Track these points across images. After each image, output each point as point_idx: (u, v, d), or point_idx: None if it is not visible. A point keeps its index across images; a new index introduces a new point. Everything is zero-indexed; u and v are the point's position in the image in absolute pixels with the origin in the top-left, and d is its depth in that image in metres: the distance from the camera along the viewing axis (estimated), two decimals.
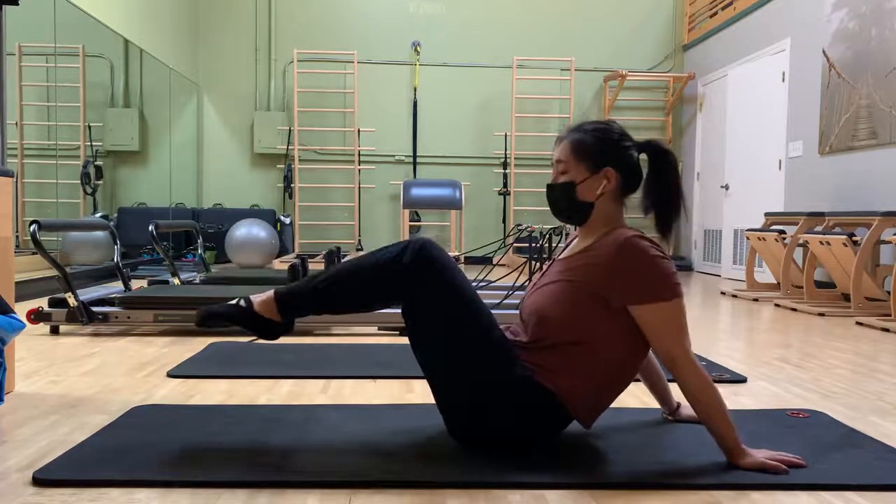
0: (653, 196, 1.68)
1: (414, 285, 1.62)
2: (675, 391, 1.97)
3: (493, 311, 1.79)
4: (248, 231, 6.74)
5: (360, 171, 8.41)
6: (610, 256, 1.60)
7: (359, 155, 8.40)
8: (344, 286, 1.66)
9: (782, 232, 5.27)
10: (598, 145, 1.68)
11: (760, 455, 1.58)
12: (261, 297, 1.69)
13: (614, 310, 1.61)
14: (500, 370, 1.62)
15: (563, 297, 1.64)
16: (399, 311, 3.42)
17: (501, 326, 1.70)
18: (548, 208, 1.77)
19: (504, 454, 1.64)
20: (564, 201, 1.70)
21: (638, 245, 1.59)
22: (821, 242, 4.61)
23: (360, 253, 1.76)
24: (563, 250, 1.84)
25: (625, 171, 1.69)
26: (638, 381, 2.34)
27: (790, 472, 1.55)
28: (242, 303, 1.69)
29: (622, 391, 1.71)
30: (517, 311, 3.37)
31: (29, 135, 5.87)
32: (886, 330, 3.85)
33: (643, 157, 1.72)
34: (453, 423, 1.70)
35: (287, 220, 8.09)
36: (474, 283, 1.86)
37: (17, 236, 5.20)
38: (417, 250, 1.62)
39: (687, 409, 1.97)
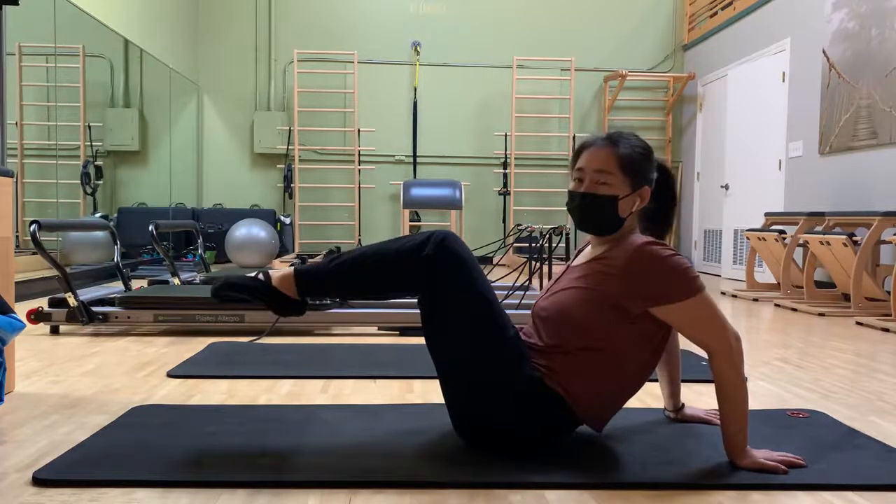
0: (658, 209, 1.76)
1: (433, 277, 1.62)
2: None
3: None
4: (248, 231, 6.73)
5: (360, 171, 8.41)
6: (624, 265, 1.60)
7: (359, 155, 8.40)
8: (364, 271, 1.65)
9: (782, 232, 5.27)
10: (645, 164, 1.69)
11: (760, 455, 1.58)
12: (280, 273, 1.70)
13: (632, 316, 1.60)
14: (510, 369, 1.62)
15: (578, 304, 1.64)
16: (399, 311, 3.46)
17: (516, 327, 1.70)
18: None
19: (505, 454, 1.63)
20: (602, 213, 1.66)
21: (651, 251, 1.59)
22: (821, 242, 4.61)
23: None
24: (575, 257, 1.85)
25: (653, 192, 1.73)
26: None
27: (790, 472, 1.55)
28: (261, 276, 1.69)
29: (633, 395, 1.70)
30: (517, 311, 3.39)
31: (29, 135, 5.86)
32: (886, 330, 3.85)
33: None
34: (461, 420, 1.70)
35: (287, 220, 8.09)
36: None
37: (17, 236, 5.20)
38: (440, 242, 1.62)
39: (690, 409, 1.97)
